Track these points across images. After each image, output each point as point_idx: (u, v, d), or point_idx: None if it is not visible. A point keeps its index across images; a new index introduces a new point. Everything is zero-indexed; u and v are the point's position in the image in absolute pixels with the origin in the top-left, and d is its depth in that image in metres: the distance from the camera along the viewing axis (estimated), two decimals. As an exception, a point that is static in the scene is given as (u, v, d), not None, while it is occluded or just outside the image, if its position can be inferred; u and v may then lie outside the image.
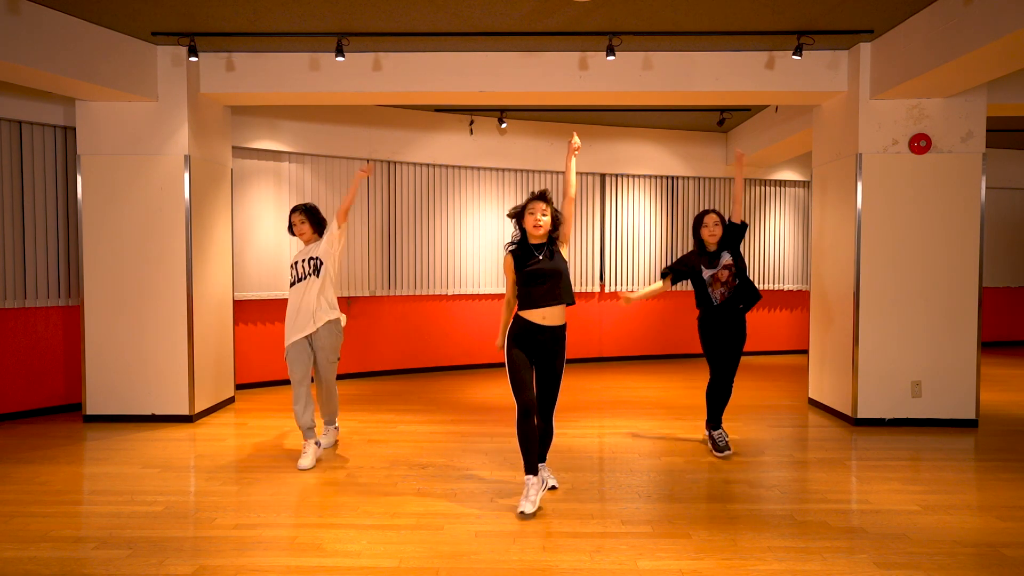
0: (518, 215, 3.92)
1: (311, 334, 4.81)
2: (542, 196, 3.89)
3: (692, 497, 4.15)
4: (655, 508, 3.95)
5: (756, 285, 5.07)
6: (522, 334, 3.88)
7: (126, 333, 5.91)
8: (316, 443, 4.80)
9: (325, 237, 4.90)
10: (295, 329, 4.81)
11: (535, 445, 3.90)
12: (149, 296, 5.90)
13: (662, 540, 3.49)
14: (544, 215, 3.85)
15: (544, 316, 3.86)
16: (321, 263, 4.83)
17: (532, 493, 3.84)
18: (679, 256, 9.20)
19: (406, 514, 3.83)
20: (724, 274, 4.99)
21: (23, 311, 6.08)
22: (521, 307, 3.93)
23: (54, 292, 6.25)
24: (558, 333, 3.90)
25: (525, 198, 4.12)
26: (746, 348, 8.80)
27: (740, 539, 3.51)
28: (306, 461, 4.69)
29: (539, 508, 3.87)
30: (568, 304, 3.93)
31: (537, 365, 3.92)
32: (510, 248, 3.98)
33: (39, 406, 6.20)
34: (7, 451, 5.08)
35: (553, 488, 4.16)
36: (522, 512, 3.77)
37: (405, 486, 4.30)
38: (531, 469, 3.89)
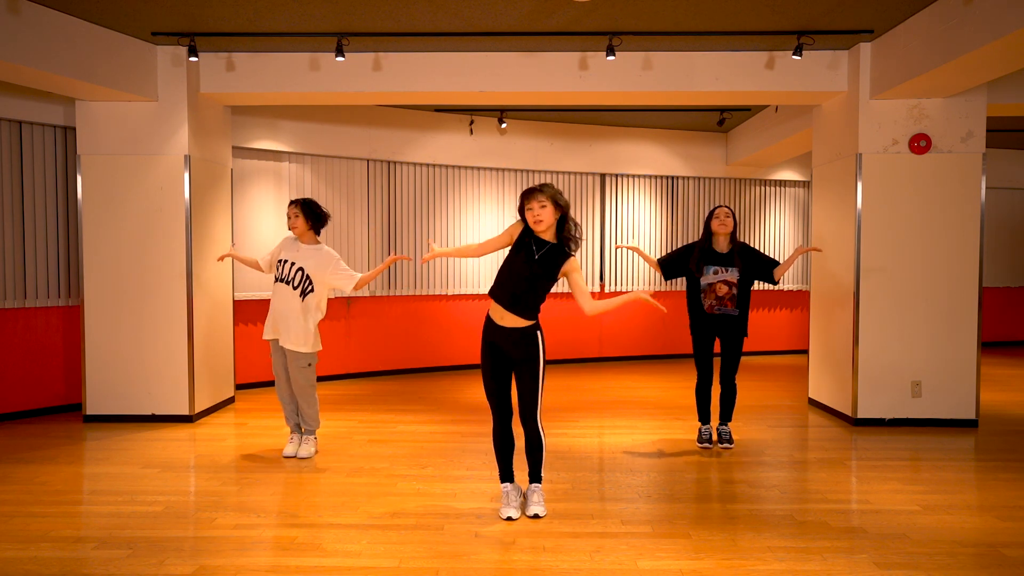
0: (520, 209, 3.68)
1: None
2: (534, 189, 3.59)
3: (692, 497, 4.15)
4: (655, 508, 3.95)
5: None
6: (487, 330, 3.74)
7: (126, 333, 5.90)
8: (304, 434, 4.96)
9: (331, 264, 4.69)
10: (273, 330, 4.80)
11: (509, 453, 3.84)
12: (149, 296, 5.90)
13: (662, 540, 3.49)
14: (543, 206, 3.56)
15: (502, 316, 3.66)
16: (311, 285, 4.69)
17: (512, 499, 3.79)
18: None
19: (406, 514, 3.83)
20: (723, 289, 4.93)
21: (23, 311, 6.08)
22: (491, 293, 3.74)
23: (54, 292, 6.25)
24: (518, 336, 3.66)
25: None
26: (746, 348, 8.71)
27: (740, 539, 3.51)
28: (290, 449, 4.87)
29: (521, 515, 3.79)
30: (523, 318, 3.64)
31: (511, 365, 3.73)
32: (523, 224, 3.67)
33: (39, 406, 6.20)
34: (7, 451, 5.08)
35: (535, 516, 3.74)
36: (509, 517, 3.71)
37: (405, 486, 4.30)
38: (506, 477, 3.84)
